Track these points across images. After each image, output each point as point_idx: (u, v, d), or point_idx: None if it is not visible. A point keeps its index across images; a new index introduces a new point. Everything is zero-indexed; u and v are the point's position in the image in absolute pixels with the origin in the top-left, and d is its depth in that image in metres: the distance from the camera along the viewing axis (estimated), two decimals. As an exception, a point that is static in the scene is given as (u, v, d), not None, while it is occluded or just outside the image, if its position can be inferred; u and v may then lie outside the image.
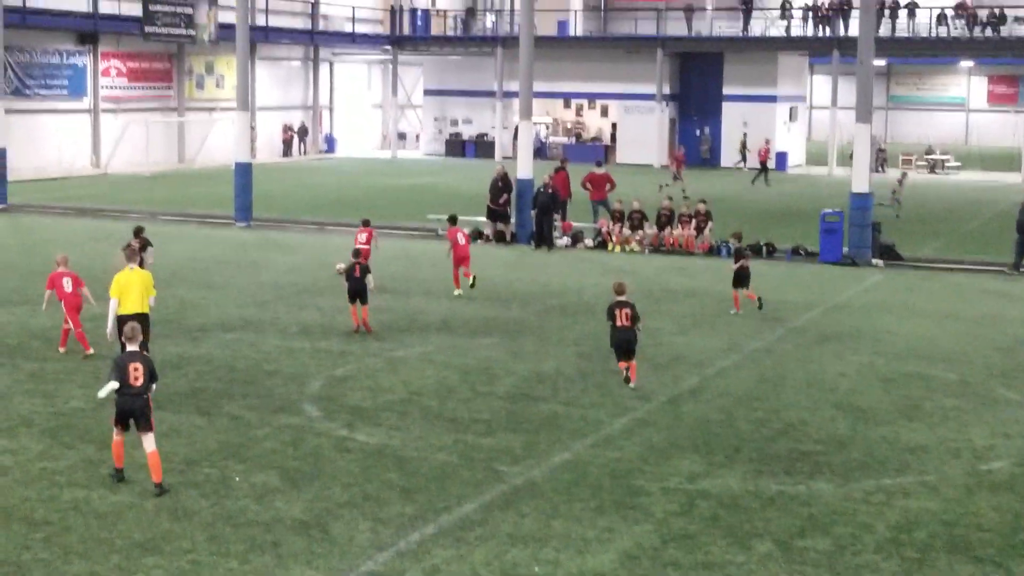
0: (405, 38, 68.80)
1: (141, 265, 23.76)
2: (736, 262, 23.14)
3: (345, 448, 14.13)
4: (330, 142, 70.01)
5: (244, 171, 36.33)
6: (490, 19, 74.98)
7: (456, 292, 24.54)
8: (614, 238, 32.10)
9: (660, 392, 17.02)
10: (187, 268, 26.74)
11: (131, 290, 16.32)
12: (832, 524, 12.01)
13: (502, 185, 33.04)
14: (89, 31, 53.74)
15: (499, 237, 33.11)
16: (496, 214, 33.22)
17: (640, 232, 31.91)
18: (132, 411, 12.54)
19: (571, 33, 69.44)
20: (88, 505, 12.07)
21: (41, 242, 30.98)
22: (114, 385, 12.55)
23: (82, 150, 54.83)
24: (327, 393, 16.63)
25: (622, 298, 17.45)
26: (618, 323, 17.24)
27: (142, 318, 16.10)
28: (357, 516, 11.94)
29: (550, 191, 32.28)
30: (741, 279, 23.02)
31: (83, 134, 54.91)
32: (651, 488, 12.95)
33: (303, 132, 67.87)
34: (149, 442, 12.55)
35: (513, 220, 33.30)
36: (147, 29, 52.60)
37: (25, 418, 15.07)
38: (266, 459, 13.64)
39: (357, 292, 20.73)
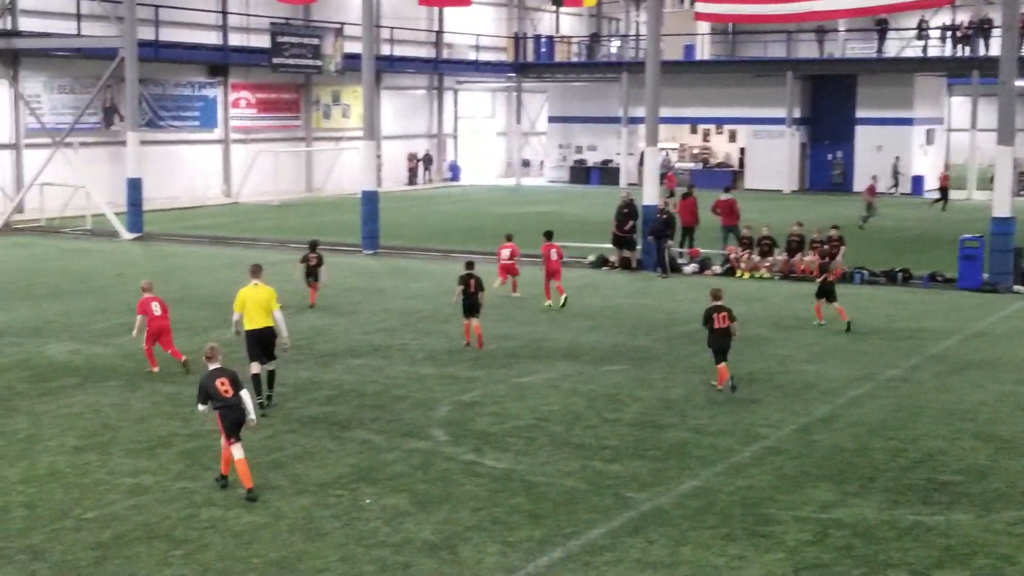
0: (529, 65, 69.13)
1: (316, 280, 24.86)
2: (820, 277, 24.18)
3: (473, 472, 14.17)
4: (454, 170, 70.54)
5: (370, 199, 36.80)
6: (615, 44, 74.99)
7: (546, 303, 25.35)
8: (743, 264, 31.78)
9: (790, 420, 16.77)
10: (320, 295, 27.11)
11: (253, 305, 16.86)
12: (971, 555, 11.69)
13: (627, 212, 32.93)
14: (220, 63, 55.03)
15: (624, 264, 32.99)
16: (622, 241, 33.11)
17: (770, 258, 31.55)
18: (237, 421, 13.29)
19: (698, 57, 69.07)
20: (225, 524, 12.29)
21: (176, 269, 31.73)
22: (203, 408, 13.53)
23: (213, 180, 56.06)
24: (454, 418, 16.71)
25: (719, 303, 18.38)
26: (716, 326, 18.21)
27: (267, 332, 16.88)
28: (486, 539, 11.96)
29: (664, 216, 32.15)
30: (826, 293, 23.86)
31: (214, 164, 56.16)
32: (782, 517, 12.74)
33: (428, 160, 68.54)
34: (238, 451, 13.22)
35: (639, 247, 33.16)
36: (275, 60, 53.71)
37: (164, 440, 15.42)
38: (396, 482, 13.74)
39: (470, 307, 21.26)
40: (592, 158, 69.85)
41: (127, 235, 39.66)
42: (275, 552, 11.55)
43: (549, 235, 26.80)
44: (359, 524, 12.35)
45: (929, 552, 11.74)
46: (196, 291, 27.85)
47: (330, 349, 21.37)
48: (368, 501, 13.06)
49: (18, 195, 44.68)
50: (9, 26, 45.45)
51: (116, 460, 14.48)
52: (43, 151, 44.32)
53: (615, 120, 66.05)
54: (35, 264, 32.94)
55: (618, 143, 65.97)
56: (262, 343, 16.92)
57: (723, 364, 18.20)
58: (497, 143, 75.32)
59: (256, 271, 17.38)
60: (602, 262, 33.08)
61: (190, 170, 54.49)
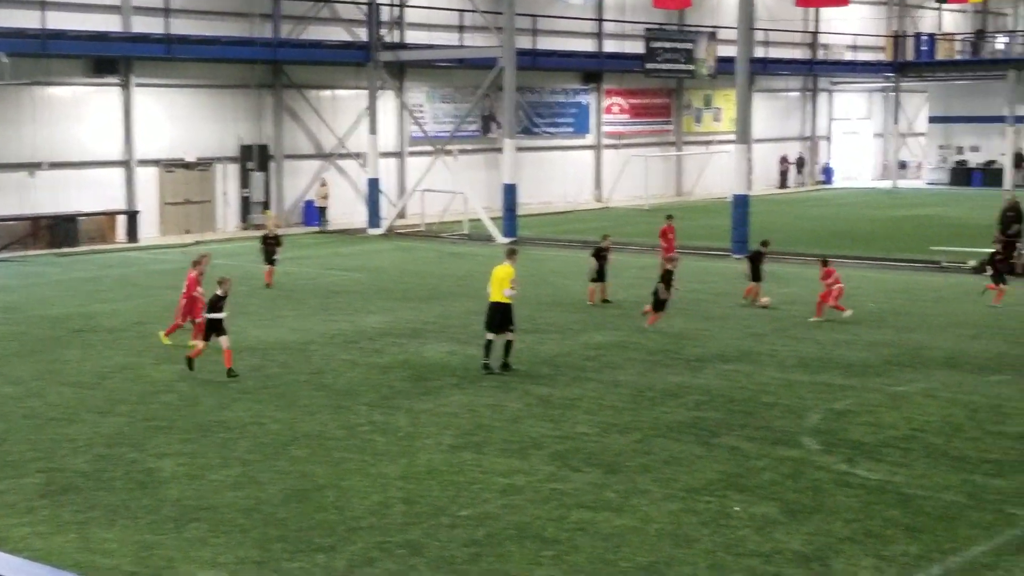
0: (909, 64, 66.69)
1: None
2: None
3: (846, 483, 13.78)
4: (827, 173, 69.11)
5: (741, 203, 36.48)
6: (1001, 41, 71.33)
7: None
8: None
9: None
10: (685, 300, 27.11)
11: (494, 281, 19.88)
12: None
13: (1012, 215, 31.25)
14: (594, 70, 56.01)
15: (1008, 270, 31.24)
16: (1006, 246, 31.43)
17: None
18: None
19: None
20: (594, 526, 12.42)
21: (548, 273, 32.51)
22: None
23: (585, 185, 57.12)
24: (826, 427, 16.32)
25: None
26: None
27: (499, 306, 19.71)
28: (859, 552, 11.61)
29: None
30: None
31: (586, 169, 57.21)
32: None
33: (800, 163, 67.40)
34: (225, 341, 19.36)
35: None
36: (648, 66, 54.14)
37: (536, 441, 15.74)
38: (766, 490, 13.53)
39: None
40: (974, 159, 66.77)
41: (502, 239, 40.87)
42: (644, 556, 11.59)
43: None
44: (728, 531, 12.24)
45: None
46: (568, 294, 28.42)
47: (699, 354, 21.31)
48: (737, 508, 12.92)
49: (400, 201, 47.01)
50: (397, 39, 47.88)
51: (490, 459, 14.89)
52: (424, 158, 46.47)
53: (999, 119, 62.75)
54: (415, 267, 34.51)
55: (1003, 143, 62.68)
56: (494, 315, 19.76)
57: None
58: (873, 145, 73.19)
59: (510, 254, 20.34)
60: (983, 267, 31.55)
61: (563, 175, 55.75)
